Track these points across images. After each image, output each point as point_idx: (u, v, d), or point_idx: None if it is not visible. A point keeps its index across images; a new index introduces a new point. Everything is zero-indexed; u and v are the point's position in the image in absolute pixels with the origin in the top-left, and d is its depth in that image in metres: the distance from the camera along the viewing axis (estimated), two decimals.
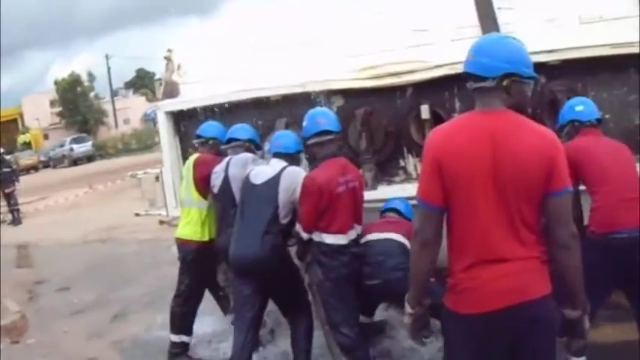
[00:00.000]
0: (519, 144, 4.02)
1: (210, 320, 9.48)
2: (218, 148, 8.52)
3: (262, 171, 7.34)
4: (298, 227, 7.00)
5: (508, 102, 4.12)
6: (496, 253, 4.03)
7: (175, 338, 8.58)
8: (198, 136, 8.71)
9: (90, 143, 68.65)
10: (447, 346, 4.50)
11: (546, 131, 4.24)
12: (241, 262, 7.15)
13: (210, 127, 8.69)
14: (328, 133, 6.98)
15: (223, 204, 7.94)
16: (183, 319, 8.58)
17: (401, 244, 7.13)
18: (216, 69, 9.35)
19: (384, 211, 7.92)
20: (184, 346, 8.62)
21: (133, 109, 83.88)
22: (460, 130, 4.16)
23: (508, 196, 3.99)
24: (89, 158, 65.42)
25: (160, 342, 9.06)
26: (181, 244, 8.56)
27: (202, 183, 8.32)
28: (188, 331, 8.64)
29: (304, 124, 7.13)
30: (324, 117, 7.08)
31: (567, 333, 4.45)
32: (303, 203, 6.90)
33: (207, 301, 9.00)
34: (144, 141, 66.19)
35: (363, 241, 7.22)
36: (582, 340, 4.47)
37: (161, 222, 10.73)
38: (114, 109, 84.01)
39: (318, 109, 7.41)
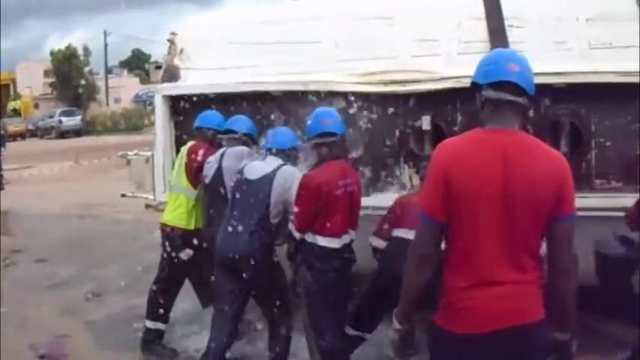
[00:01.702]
0: (532, 166, 3.97)
1: (187, 311, 9.49)
2: (215, 139, 8.49)
3: (257, 167, 7.30)
4: (291, 226, 6.94)
5: (520, 122, 4.12)
6: (496, 275, 3.99)
7: (150, 325, 8.59)
8: (197, 126, 8.69)
9: (79, 118, 68.61)
10: None
11: (558, 154, 4.21)
12: (227, 258, 7.11)
13: (208, 117, 8.69)
14: (332, 134, 6.93)
15: (213, 195, 7.92)
16: (160, 306, 8.58)
17: None
18: (219, 58, 9.27)
19: None
20: (159, 334, 8.61)
21: (125, 88, 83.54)
22: (473, 147, 4.09)
23: (515, 218, 3.95)
24: (77, 132, 65.27)
25: (134, 326, 9.05)
26: (166, 230, 8.53)
27: (193, 172, 8.33)
28: (164, 319, 8.64)
29: (309, 123, 7.08)
30: (329, 118, 7.02)
31: (555, 356, 4.42)
32: (299, 202, 6.84)
33: (186, 291, 8.99)
34: (133, 122, 66.04)
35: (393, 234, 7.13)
36: None
37: (147, 206, 10.64)
38: (106, 87, 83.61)
39: (324, 109, 7.32)
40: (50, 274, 12.54)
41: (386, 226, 7.23)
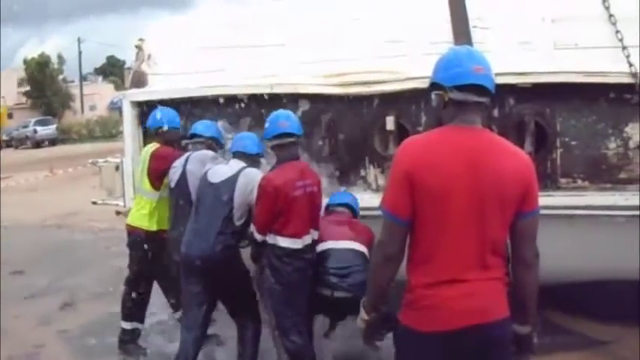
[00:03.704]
0: (499, 165, 4.00)
1: (158, 314, 9.59)
2: (171, 135, 8.55)
3: (220, 170, 7.32)
4: (253, 228, 6.97)
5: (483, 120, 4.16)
6: (461, 274, 4.00)
7: (127, 325, 8.69)
8: (149, 127, 8.76)
9: (54, 126, 68.35)
10: None
11: (522, 153, 4.27)
12: (192, 261, 7.11)
13: (167, 117, 8.65)
14: (290, 135, 6.95)
15: (178, 199, 7.94)
16: (133, 305, 8.67)
17: (364, 256, 7.13)
18: (186, 63, 9.28)
19: (330, 206, 7.86)
20: (135, 334, 8.72)
21: (100, 95, 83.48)
22: (438, 145, 4.08)
23: (483, 215, 3.97)
24: (52, 142, 64.99)
25: (110, 333, 9.07)
26: (130, 230, 8.67)
27: (155, 176, 8.41)
28: (139, 319, 8.74)
29: (266, 125, 7.10)
30: (287, 120, 7.04)
31: (517, 349, 4.43)
32: (258, 204, 6.86)
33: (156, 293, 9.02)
34: (109, 129, 65.70)
35: (321, 248, 7.18)
36: (531, 355, 4.46)
37: (117, 212, 10.65)
38: (81, 94, 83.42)
39: (281, 111, 7.32)
40: (27, 285, 12.47)
41: None
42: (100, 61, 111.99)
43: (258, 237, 6.94)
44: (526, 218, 4.08)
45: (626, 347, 7.93)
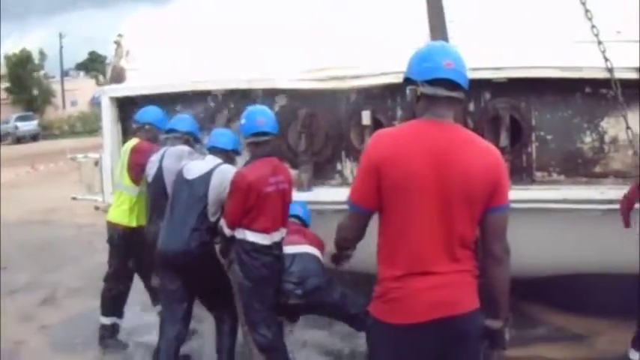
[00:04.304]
0: (467, 159, 4.02)
1: (138, 308, 9.59)
2: (155, 134, 8.56)
3: (196, 166, 7.33)
4: (222, 222, 6.97)
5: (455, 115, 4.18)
6: (430, 266, 4.02)
7: (106, 320, 8.74)
8: (136, 121, 8.76)
9: (35, 122, 67.91)
10: (372, 355, 4.48)
11: (492, 147, 4.28)
12: (167, 257, 7.15)
13: (146, 112, 8.73)
14: (266, 134, 6.97)
15: (155, 194, 7.95)
16: (113, 301, 8.72)
17: (318, 260, 7.27)
18: (164, 58, 9.31)
19: None
20: (115, 329, 8.77)
21: (81, 91, 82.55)
22: (407, 138, 4.11)
23: (449, 209, 3.99)
24: (33, 137, 64.55)
25: (90, 327, 9.05)
26: (110, 226, 8.69)
27: (135, 170, 8.42)
28: (119, 314, 8.78)
29: (243, 121, 7.08)
30: (263, 116, 7.03)
31: (489, 344, 4.46)
32: (230, 199, 6.88)
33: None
34: (90, 124, 65.22)
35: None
36: (503, 350, 4.46)
37: (96, 207, 10.64)
38: (62, 90, 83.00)
39: (257, 107, 7.35)
40: (8, 282, 12.36)
41: None
42: (82, 56, 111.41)
43: (228, 232, 6.94)
44: (495, 213, 4.11)
45: (603, 340, 7.99)
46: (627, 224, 6.92)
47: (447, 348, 4.10)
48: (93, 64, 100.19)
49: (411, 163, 3.98)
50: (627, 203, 6.93)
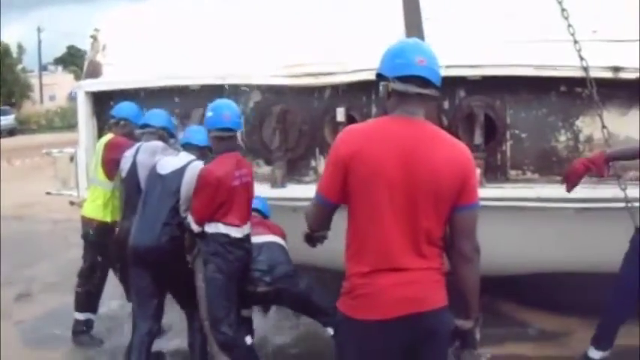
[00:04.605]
0: (435, 156, 4.03)
1: (112, 301, 9.59)
2: (130, 130, 8.55)
3: (169, 162, 7.33)
4: (190, 219, 6.94)
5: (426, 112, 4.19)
6: (397, 262, 4.02)
7: (80, 316, 8.74)
8: (112, 117, 8.74)
9: (12, 117, 67.29)
10: (340, 351, 4.48)
11: (461, 145, 4.28)
12: (139, 252, 7.13)
13: (122, 108, 8.73)
14: (231, 130, 6.99)
15: (129, 189, 7.90)
16: (87, 297, 8.72)
17: (285, 248, 7.34)
18: (140, 53, 9.28)
19: None
20: (89, 325, 8.75)
21: (60, 85, 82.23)
22: (376, 134, 4.12)
23: (417, 206, 3.99)
24: (10, 132, 63.96)
25: (65, 324, 9.02)
26: (84, 222, 8.73)
27: (109, 165, 8.41)
28: (93, 310, 8.78)
29: (209, 114, 7.04)
30: (229, 111, 7.02)
31: (460, 344, 4.47)
32: (198, 195, 6.85)
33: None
34: (68, 119, 64.89)
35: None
36: (473, 350, 4.48)
37: (71, 203, 10.61)
38: (40, 84, 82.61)
39: (225, 101, 7.29)
40: None
41: None
42: (61, 50, 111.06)
43: (196, 228, 6.92)
44: (463, 212, 4.12)
45: (576, 338, 8.00)
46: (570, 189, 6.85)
47: (414, 345, 4.11)
48: (72, 59, 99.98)
49: (378, 160, 3.99)
50: (583, 169, 6.75)
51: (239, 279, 6.99)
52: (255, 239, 7.23)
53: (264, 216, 7.89)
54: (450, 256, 4.24)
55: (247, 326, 7.43)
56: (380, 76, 4.25)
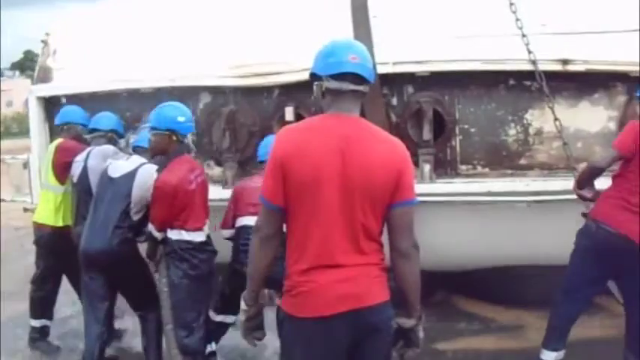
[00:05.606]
0: (370, 153, 4.04)
1: (67, 307, 9.50)
2: (77, 133, 8.53)
3: (120, 165, 7.26)
4: (151, 227, 6.93)
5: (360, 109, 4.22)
6: (335, 259, 4.04)
7: (36, 323, 8.62)
8: (55, 124, 8.77)
9: None
10: (284, 350, 4.54)
11: (396, 142, 4.29)
12: (89, 255, 7.06)
13: (64, 113, 8.72)
14: (178, 133, 6.93)
15: (80, 195, 7.86)
16: (41, 303, 8.61)
17: None
18: (91, 57, 9.24)
19: None
20: (45, 331, 8.66)
21: (17, 91, 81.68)
22: (310, 133, 4.15)
23: (353, 203, 4.01)
24: None
25: (22, 331, 8.97)
26: (36, 227, 8.64)
27: (60, 169, 8.34)
28: (48, 316, 8.68)
29: (159, 113, 6.97)
30: (182, 115, 6.97)
31: (403, 342, 4.46)
32: (157, 205, 6.82)
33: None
34: (26, 125, 63.98)
35: (239, 224, 7.23)
36: (417, 349, 4.47)
37: (25, 209, 10.54)
38: None
39: (172, 104, 7.17)
40: None
41: (230, 216, 7.34)
42: (17, 55, 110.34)
43: (158, 235, 6.92)
44: (399, 208, 4.13)
45: (533, 330, 8.04)
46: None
47: (357, 340, 4.12)
48: (29, 64, 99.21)
49: (314, 158, 4.01)
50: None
51: (209, 281, 7.03)
52: (247, 220, 7.04)
53: None
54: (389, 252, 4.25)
55: (218, 333, 7.51)
56: (314, 76, 4.28)
